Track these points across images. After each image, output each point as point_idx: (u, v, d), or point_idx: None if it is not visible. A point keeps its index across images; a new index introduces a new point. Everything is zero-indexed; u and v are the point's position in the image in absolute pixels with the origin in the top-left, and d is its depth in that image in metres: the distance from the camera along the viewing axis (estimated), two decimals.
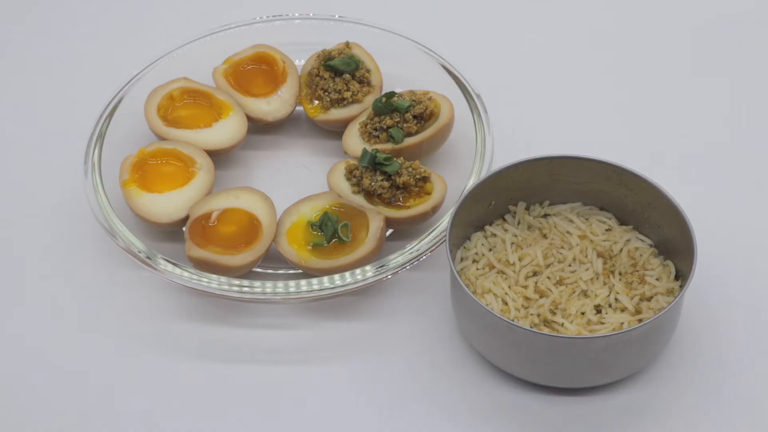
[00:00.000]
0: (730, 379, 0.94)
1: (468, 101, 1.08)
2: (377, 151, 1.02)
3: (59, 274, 1.03)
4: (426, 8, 1.28)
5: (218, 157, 1.07)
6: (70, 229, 1.06)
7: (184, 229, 1.00)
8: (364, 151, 1.02)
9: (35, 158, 1.13)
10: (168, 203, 1.02)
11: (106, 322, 0.99)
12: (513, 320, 0.92)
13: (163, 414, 0.93)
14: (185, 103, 1.10)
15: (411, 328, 0.98)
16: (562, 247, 0.98)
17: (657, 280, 0.94)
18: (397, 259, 0.97)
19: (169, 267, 0.97)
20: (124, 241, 0.99)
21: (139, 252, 0.98)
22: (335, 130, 1.11)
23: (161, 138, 1.07)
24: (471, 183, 1.00)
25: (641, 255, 0.96)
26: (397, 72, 1.14)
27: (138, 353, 0.97)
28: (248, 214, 1.00)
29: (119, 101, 1.09)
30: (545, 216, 1.01)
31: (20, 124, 1.17)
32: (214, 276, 0.96)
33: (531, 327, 0.91)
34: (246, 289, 0.95)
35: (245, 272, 0.98)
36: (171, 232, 1.03)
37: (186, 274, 0.96)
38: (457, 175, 1.04)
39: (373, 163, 1.01)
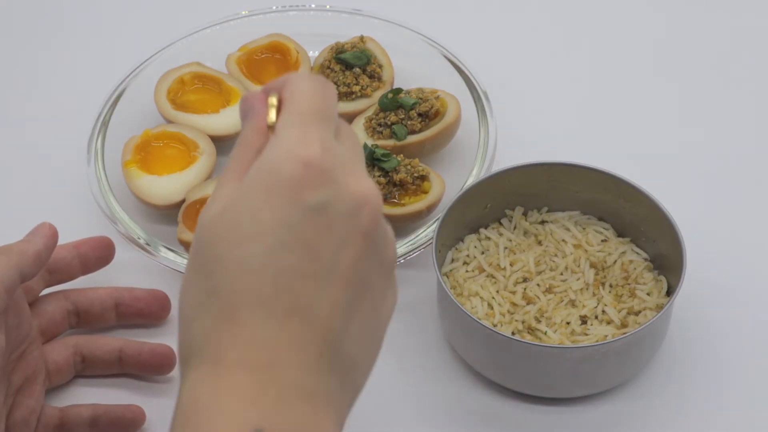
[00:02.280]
0: (716, 400, 0.92)
1: (476, 102, 1.08)
2: (376, 146, 1.02)
3: None
4: (447, 6, 1.28)
5: (223, 143, 1.08)
6: (71, 213, 1.07)
7: (179, 215, 1.01)
8: (364, 146, 1.02)
9: (40, 143, 1.14)
10: (166, 186, 1.03)
11: None
12: (496, 325, 0.91)
13: (151, 400, 0.94)
14: (195, 88, 1.10)
15: (396, 327, 0.97)
16: (556, 255, 0.97)
17: (648, 294, 0.93)
18: None
19: (170, 255, 0.97)
20: (124, 228, 0.99)
21: (139, 238, 0.99)
22: None
23: (168, 121, 1.08)
24: (466, 184, 1.00)
25: (635, 268, 0.95)
26: (410, 68, 1.13)
27: (135, 338, 0.98)
28: None
29: (126, 87, 1.10)
30: (542, 222, 1.00)
31: (28, 108, 1.18)
32: None
33: (513, 333, 0.91)
34: None
35: None
36: (169, 214, 1.04)
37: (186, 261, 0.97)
38: (458, 176, 1.03)
39: (372, 159, 1.01)
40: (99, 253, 0.95)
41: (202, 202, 1.00)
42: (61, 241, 1.04)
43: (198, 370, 0.59)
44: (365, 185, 0.62)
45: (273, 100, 0.64)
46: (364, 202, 0.61)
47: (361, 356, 0.63)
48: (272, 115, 0.64)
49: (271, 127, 0.63)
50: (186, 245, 0.98)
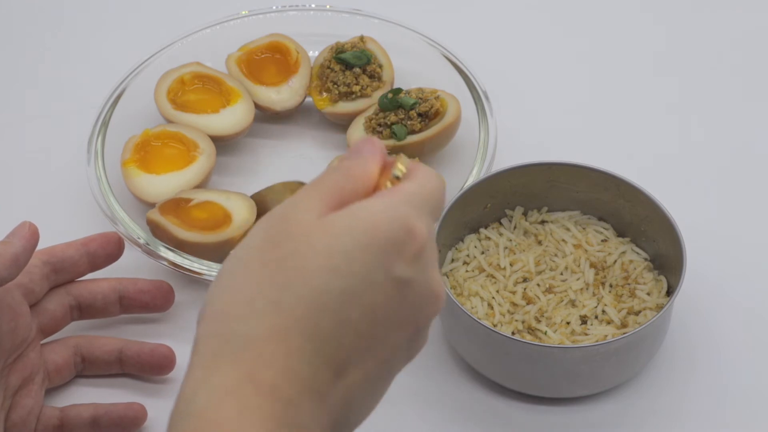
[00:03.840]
0: (716, 400, 0.92)
1: (476, 102, 1.08)
2: None
3: None
4: (447, 6, 1.28)
5: (223, 143, 1.08)
6: (71, 213, 1.07)
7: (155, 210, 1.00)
8: None
9: (40, 143, 1.14)
10: (164, 185, 1.02)
11: None
12: (496, 325, 0.91)
13: (151, 398, 0.94)
14: (195, 88, 1.10)
15: None
16: (556, 255, 0.97)
17: (648, 294, 0.93)
18: None
19: (170, 255, 0.97)
20: (124, 228, 0.99)
21: (139, 238, 0.99)
22: (342, 123, 1.10)
23: (168, 121, 1.08)
24: (466, 184, 1.00)
25: (635, 268, 0.95)
26: (410, 68, 1.13)
27: (135, 337, 0.98)
28: (226, 212, 0.99)
29: (126, 87, 1.10)
30: (542, 222, 1.00)
31: (28, 108, 1.18)
32: (214, 263, 0.97)
33: (513, 333, 0.91)
34: None
35: (195, 252, 0.97)
36: None
37: (186, 261, 0.97)
38: (458, 176, 1.03)
39: None
40: (108, 251, 0.94)
41: (186, 200, 1.00)
42: (60, 242, 1.05)
43: (228, 376, 0.58)
44: (441, 285, 0.63)
45: (402, 167, 0.65)
46: (436, 299, 0.62)
47: (355, 419, 0.64)
48: (400, 168, 0.64)
49: (392, 179, 0.64)
50: (151, 225, 0.98)
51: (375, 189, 0.64)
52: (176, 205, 0.99)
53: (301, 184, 0.87)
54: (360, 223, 0.60)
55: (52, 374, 0.90)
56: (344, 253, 0.59)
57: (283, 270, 0.60)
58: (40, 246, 1.04)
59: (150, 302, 0.95)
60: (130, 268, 1.01)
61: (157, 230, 0.98)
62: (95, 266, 0.94)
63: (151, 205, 1.01)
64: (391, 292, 0.60)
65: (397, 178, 0.64)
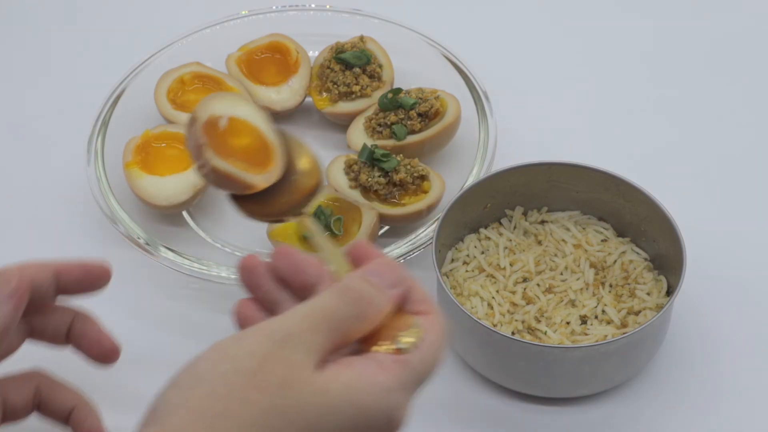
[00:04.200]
0: (715, 400, 0.92)
1: (476, 102, 1.08)
2: (376, 146, 1.02)
3: (61, 255, 1.03)
4: (448, 6, 1.28)
5: None
6: (71, 213, 1.07)
7: (191, 132, 0.79)
8: (363, 146, 1.02)
9: (40, 143, 1.14)
10: (168, 186, 1.02)
11: (103, 305, 1.00)
12: (496, 325, 0.91)
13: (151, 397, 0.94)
14: (195, 88, 1.10)
15: None
16: (556, 255, 0.97)
17: (648, 294, 0.93)
18: (387, 254, 0.96)
19: (170, 255, 0.97)
20: (124, 228, 0.99)
21: (139, 238, 0.99)
22: (342, 124, 1.10)
23: (169, 121, 1.08)
24: (466, 184, 1.00)
25: (635, 268, 0.95)
26: (410, 68, 1.13)
27: (134, 336, 0.98)
28: (255, 128, 0.82)
29: (126, 87, 1.10)
30: (542, 222, 1.00)
31: (28, 108, 1.18)
32: (214, 264, 0.97)
33: (513, 333, 0.91)
34: (236, 275, 0.95)
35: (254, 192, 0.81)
36: (171, 215, 1.04)
37: (186, 261, 0.97)
38: (458, 176, 1.03)
39: (371, 159, 1.01)
40: (85, 285, 0.83)
41: (215, 121, 0.80)
42: (60, 241, 1.05)
43: None
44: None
45: (418, 332, 0.64)
46: None
47: None
48: (410, 339, 0.64)
49: (398, 350, 0.64)
50: (217, 174, 0.77)
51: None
52: (218, 136, 0.79)
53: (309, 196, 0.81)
54: (350, 404, 0.61)
55: (8, 415, 0.83)
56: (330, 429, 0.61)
57: (271, 417, 0.60)
58: (40, 246, 1.05)
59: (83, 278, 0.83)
60: (130, 268, 1.02)
61: (224, 181, 0.78)
62: (65, 296, 0.84)
63: (158, 208, 1.02)
64: None
65: (400, 350, 0.64)
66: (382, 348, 0.64)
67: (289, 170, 0.80)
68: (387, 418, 0.62)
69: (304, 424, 0.60)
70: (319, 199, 1.01)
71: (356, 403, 0.61)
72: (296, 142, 0.81)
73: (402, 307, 0.66)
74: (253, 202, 0.79)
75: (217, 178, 0.77)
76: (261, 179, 0.78)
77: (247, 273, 0.70)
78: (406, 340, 0.64)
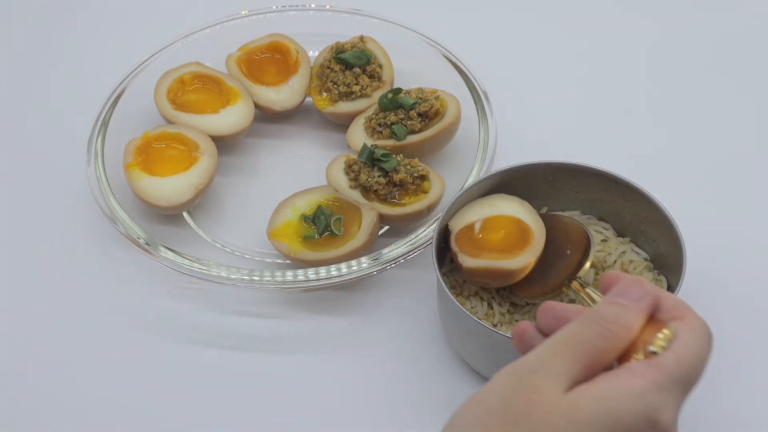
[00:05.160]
0: (715, 400, 0.92)
1: (476, 102, 1.08)
2: (376, 146, 1.02)
3: (61, 255, 1.04)
4: (447, 6, 1.28)
5: (223, 143, 1.08)
6: (71, 213, 1.07)
7: (452, 243, 0.94)
8: (363, 146, 1.02)
9: (40, 143, 1.14)
10: (169, 187, 1.02)
11: (104, 305, 1.01)
12: (496, 325, 0.91)
13: (152, 397, 0.94)
14: (195, 88, 1.10)
15: (396, 327, 0.97)
16: None
17: None
18: (387, 254, 0.96)
19: (170, 255, 0.98)
20: (124, 228, 0.99)
21: (139, 238, 0.99)
22: (342, 123, 1.11)
23: (169, 121, 1.08)
24: (466, 184, 1.00)
25: (635, 268, 0.95)
26: (410, 68, 1.14)
27: (134, 336, 0.98)
28: (511, 218, 0.94)
29: (126, 87, 1.10)
30: (543, 216, 1.00)
31: (28, 108, 1.18)
32: (213, 264, 0.97)
33: (510, 333, 0.90)
34: (236, 275, 0.96)
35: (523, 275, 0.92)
36: (171, 215, 1.04)
37: (186, 261, 0.97)
38: (458, 176, 1.03)
39: (371, 159, 1.01)
40: None
41: (470, 228, 0.95)
42: (60, 241, 1.05)
43: None
44: None
45: (668, 334, 0.63)
46: None
47: None
48: (660, 343, 0.63)
49: (650, 353, 0.62)
50: (473, 272, 0.92)
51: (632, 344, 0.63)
52: (469, 240, 0.94)
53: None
54: (605, 414, 0.59)
55: None
56: None
57: None
58: (40, 246, 1.05)
59: None
60: (130, 268, 1.02)
61: (484, 275, 0.91)
62: None
63: (160, 209, 1.02)
64: None
65: (654, 353, 0.62)
66: (634, 358, 0.63)
67: (559, 246, 0.91)
68: (647, 421, 0.59)
69: None
70: (320, 200, 1.01)
71: (609, 412, 0.59)
72: (565, 220, 0.93)
73: (655, 318, 0.64)
74: (532, 285, 0.91)
75: (473, 275, 0.90)
76: (515, 262, 0.88)
77: (519, 339, 0.69)
78: (657, 343, 0.63)
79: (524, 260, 0.90)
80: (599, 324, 0.62)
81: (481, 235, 0.93)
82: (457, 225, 0.95)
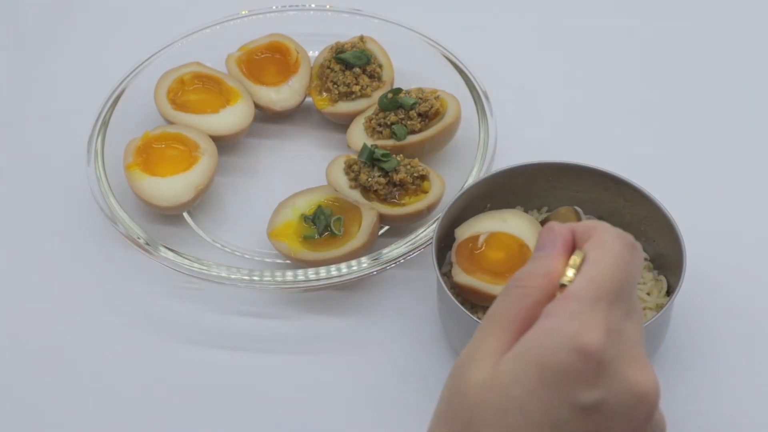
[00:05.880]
0: (715, 400, 0.92)
1: (476, 102, 1.08)
2: (376, 146, 1.02)
3: (61, 255, 1.04)
4: (447, 6, 1.28)
5: (223, 143, 1.08)
6: (71, 213, 1.07)
7: (451, 252, 0.94)
8: (363, 146, 1.02)
9: (40, 143, 1.14)
10: (170, 187, 1.02)
11: (104, 305, 1.01)
12: None
13: (152, 397, 0.94)
14: (195, 88, 1.10)
15: (396, 327, 0.97)
16: None
17: (648, 294, 0.93)
18: (387, 254, 0.97)
19: (170, 255, 0.98)
20: (124, 228, 0.99)
21: (139, 238, 0.99)
22: (342, 123, 1.11)
23: (168, 121, 1.08)
24: (466, 184, 1.00)
25: None
26: (410, 68, 1.14)
27: (134, 336, 0.98)
28: (517, 240, 0.94)
29: (126, 87, 1.10)
30: (543, 223, 1.00)
31: (28, 108, 1.18)
32: (214, 264, 0.97)
33: None
34: (236, 275, 0.96)
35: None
36: (172, 216, 1.04)
37: (186, 261, 0.97)
38: (458, 176, 1.03)
39: (371, 159, 1.01)
40: None
41: (474, 240, 0.95)
42: (60, 241, 1.05)
43: None
44: (645, 377, 0.57)
45: (576, 260, 0.60)
46: (641, 400, 0.57)
47: None
48: (569, 275, 0.59)
49: (561, 287, 0.59)
50: (461, 288, 0.92)
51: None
52: (469, 253, 0.94)
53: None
54: (526, 366, 0.56)
55: None
56: (518, 408, 0.55)
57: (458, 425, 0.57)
58: (40, 246, 1.05)
59: None
60: (130, 268, 1.02)
61: (470, 293, 0.92)
62: None
63: (161, 209, 1.02)
64: (584, 422, 0.55)
65: (564, 285, 0.59)
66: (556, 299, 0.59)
67: None
68: (571, 351, 0.55)
69: (493, 411, 0.56)
70: (320, 200, 1.01)
71: (530, 361, 0.56)
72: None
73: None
74: None
75: (462, 290, 0.88)
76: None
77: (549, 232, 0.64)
78: (567, 274, 0.60)
79: None
80: (516, 286, 0.60)
81: (482, 249, 0.93)
82: (463, 234, 0.95)
